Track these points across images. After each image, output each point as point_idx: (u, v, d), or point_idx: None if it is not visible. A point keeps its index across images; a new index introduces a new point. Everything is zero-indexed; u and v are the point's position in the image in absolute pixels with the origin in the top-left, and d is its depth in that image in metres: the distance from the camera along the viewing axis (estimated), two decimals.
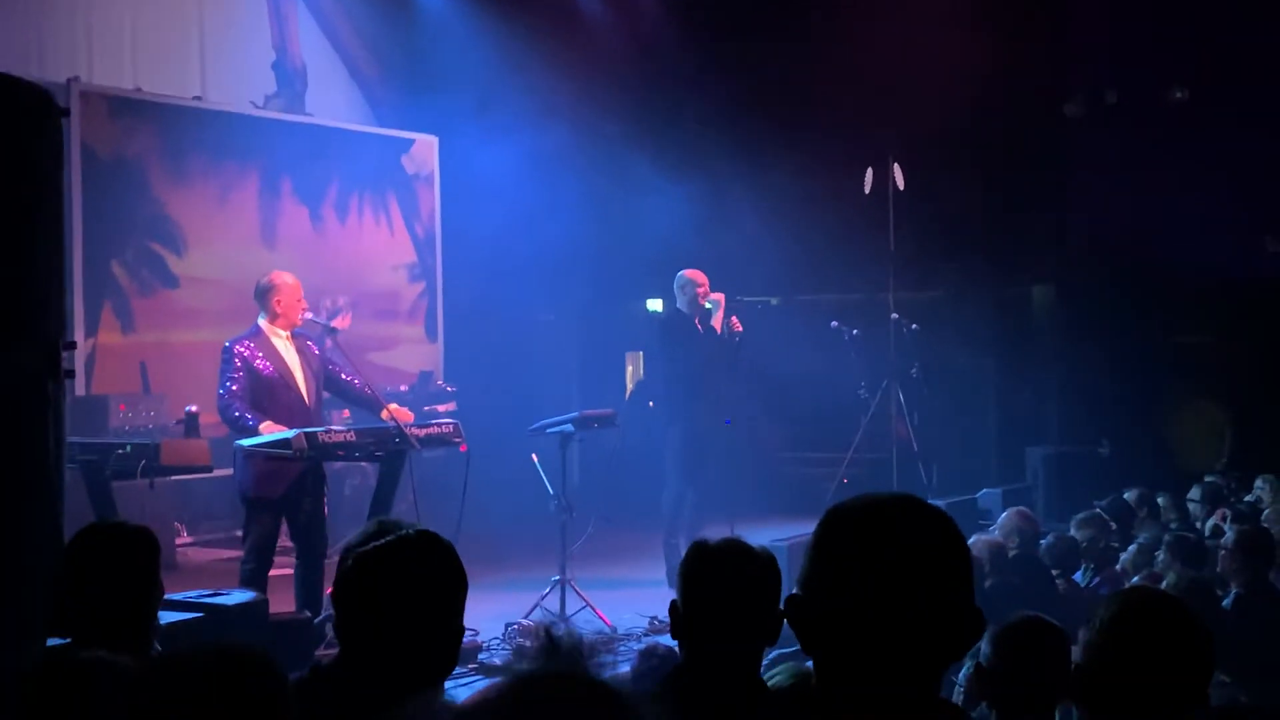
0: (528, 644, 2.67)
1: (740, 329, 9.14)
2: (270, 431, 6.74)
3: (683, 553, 3.13)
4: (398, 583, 2.56)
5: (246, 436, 6.81)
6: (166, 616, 4.74)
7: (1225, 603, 5.73)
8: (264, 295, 7.17)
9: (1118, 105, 12.77)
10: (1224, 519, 7.96)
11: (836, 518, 1.80)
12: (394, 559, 2.59)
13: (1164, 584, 5.44)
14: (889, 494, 1.83)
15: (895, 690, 1.73)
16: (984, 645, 3.38)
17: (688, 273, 9.20)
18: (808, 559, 1.80)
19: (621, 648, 7.15)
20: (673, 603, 3.01)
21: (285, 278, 7.22)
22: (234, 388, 6.93)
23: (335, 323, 10.30)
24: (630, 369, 15.04)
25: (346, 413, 9.51)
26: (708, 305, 9.09)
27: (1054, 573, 6.91)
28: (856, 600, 1.72)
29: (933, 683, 1.76)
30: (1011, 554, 6.79)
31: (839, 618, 1.73)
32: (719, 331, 9.08)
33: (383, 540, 2.61)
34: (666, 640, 6.90)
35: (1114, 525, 7.80)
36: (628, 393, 14.65)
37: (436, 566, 2.62)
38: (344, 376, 7.46)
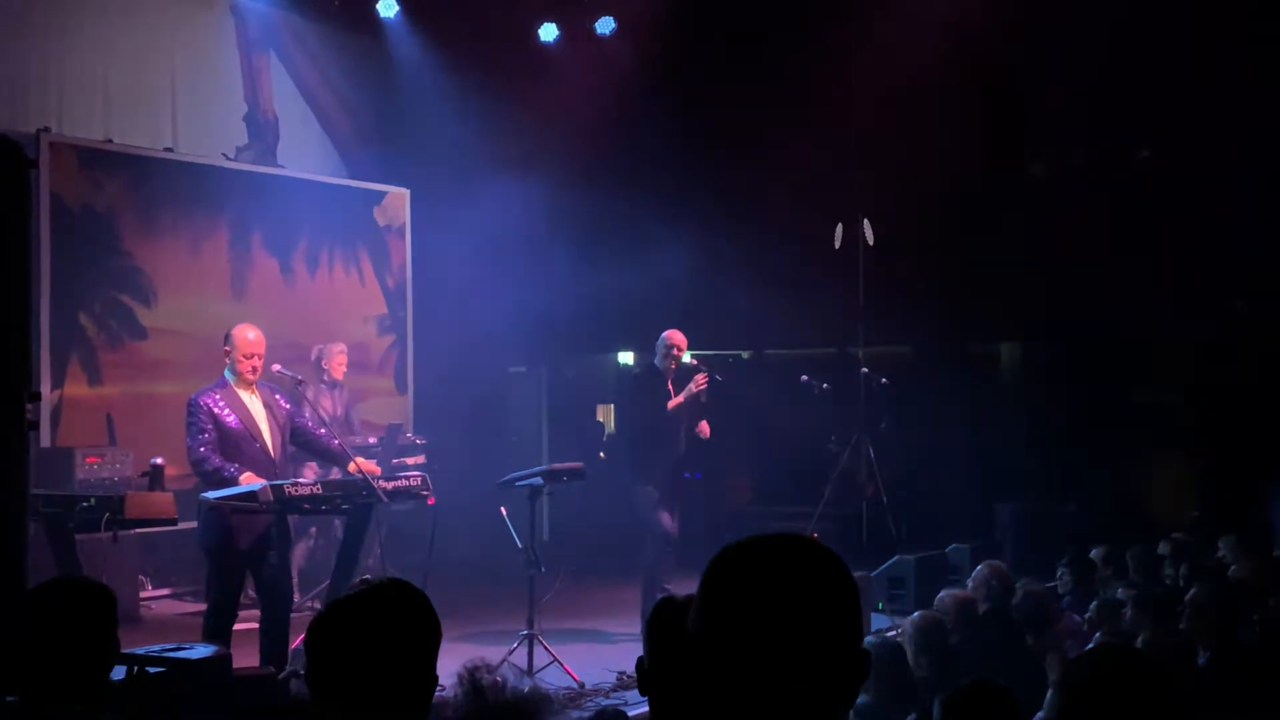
0: (453, 692, 2.65)
1: (704, 385, 9.11)
2: (251, 483, 6.71)
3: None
4: (372, 630, 2.56)
5: (222, 488, 6.77)
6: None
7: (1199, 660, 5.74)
8: (224, 348, 7.18)
9: (1083, 165, 12.91)
10: (1179, 577, 7.98)
11: (721, 560, 1.78)
12: (368, 606, 2.60)
13: (1139, 642, 5.44)
14: (776, 534, 1.80)
15: None
16: (935, 710, 3.38)
17: (668, 333, 9.23)
18: (696, 603, 1.78)
19: (589, 703, 7.13)
20: (639, 659, 2.97)
21: (244, 332, 7.18)
22: (205, 437, 6.90)
23: (333, 366, 10.25)
24: (601, 422, 15.03)
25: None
26: (684, 361, 9.12)
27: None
28: (742, 641, 1.70)
29: None
30: (982, 609, 6.78)
31: (727, 660, 1.72)
32: (684, 400, 9.07)
33: (356, 589, 2.63)
34: (634, 695, 6.89)
35: (1075, 582, 7.81)
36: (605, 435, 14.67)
37: (410, 615, 2.62)
38: (312, 429, 7.44)
